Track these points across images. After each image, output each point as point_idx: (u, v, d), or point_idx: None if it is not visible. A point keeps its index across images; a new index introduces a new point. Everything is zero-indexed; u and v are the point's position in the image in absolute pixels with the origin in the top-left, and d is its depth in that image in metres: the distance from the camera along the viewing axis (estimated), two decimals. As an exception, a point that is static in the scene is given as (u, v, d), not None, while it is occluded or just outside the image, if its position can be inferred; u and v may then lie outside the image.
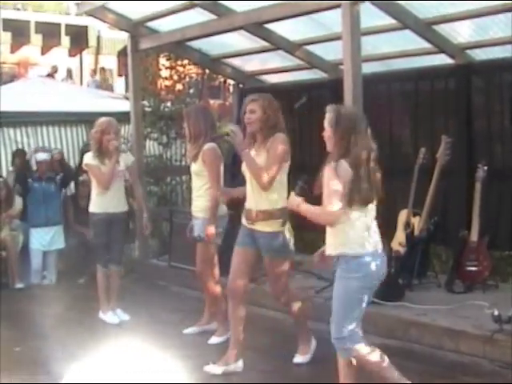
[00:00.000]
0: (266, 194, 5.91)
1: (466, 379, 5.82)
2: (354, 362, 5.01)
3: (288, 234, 6.01)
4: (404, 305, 7.43)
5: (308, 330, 6.58)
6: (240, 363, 6.23)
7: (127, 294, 8.84)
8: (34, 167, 10.60)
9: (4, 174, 11.37)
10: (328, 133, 5.04)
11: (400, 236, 8.33)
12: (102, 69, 29.22)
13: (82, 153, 11.35)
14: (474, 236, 7.93)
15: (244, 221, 6.20)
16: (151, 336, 7.01)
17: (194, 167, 7.10)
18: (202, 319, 7.66)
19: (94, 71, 27.05)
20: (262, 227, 5.99)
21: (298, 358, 6.49)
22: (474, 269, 7.92)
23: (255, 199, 6.00)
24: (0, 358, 6.56)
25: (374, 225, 4.94)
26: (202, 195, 7.10)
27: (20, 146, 11.80)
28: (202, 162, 6.94)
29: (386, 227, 7.94)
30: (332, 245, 5.02)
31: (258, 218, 5.99)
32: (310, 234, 11.26)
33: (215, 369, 6.14)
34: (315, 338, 6.88)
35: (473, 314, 6.82)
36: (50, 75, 22.53)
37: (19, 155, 11.30)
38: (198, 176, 7.07)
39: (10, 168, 11.41)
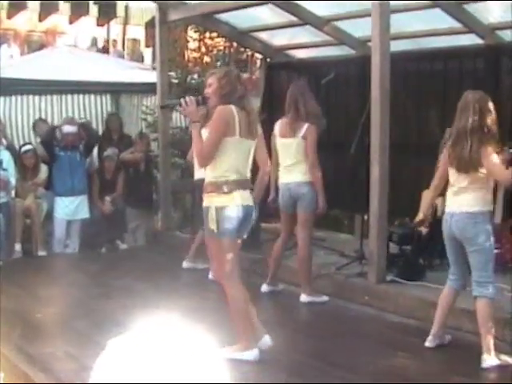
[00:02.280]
0: (207, 168, 5.73)
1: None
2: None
3: (213, 212, 5.63)
4: (425, 285, 7.42)
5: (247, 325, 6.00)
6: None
7: (153, 265, 8.89)
8: (60, 138, 10.60)
9: (30, 140, 11.39)
10: None
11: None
12: (134, 40, 29.18)
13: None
14: (498, 218, 7.88)
15: None
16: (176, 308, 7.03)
17: None
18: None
19: (115, 41, 26.96)
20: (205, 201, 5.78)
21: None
22: (495, 251, 7.87)
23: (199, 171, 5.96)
24: (21, 324, 6.64)
25: None
26: None
27: (44, 114, 11.84)
28: None
29: (410, 206, 7.96)
30: None
31: (205, 191, 5.79)
32: (333, 211, 11.32)
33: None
34: (332, 314, 6.91)
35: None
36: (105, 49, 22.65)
37: (40, 125, 11.32)
38: None
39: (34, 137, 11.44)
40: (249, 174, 5.84)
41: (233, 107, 5.68)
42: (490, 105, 5.79)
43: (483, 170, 5.65)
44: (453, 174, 5.84)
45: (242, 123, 5.68)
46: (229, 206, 5.61)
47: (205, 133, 5.85)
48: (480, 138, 5.64)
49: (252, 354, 5.73)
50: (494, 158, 5.63)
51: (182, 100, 5.77)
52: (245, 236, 5.95)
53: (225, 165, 5.66)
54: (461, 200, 5.77)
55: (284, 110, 7.71)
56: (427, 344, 5.99)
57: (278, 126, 7.71)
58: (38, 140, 11.22)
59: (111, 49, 24.39)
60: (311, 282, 7.69)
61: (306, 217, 7.57)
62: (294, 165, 7.58)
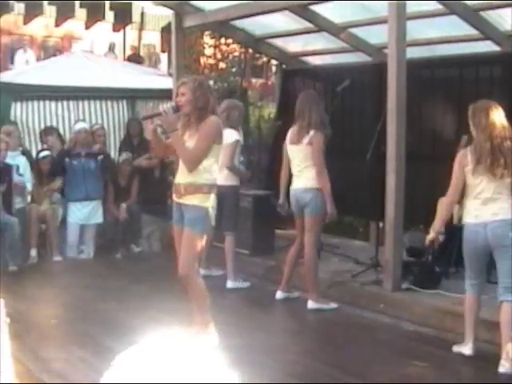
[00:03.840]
0: (195, 170, 6.09)
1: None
2: None
3: (211, 210, 6.14)
4: (440, 293, 7.40)
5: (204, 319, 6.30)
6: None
7: (168, 271, 8.87)
8: (73, 140, 10.61)
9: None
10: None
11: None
12: (153, 47, 29.26)
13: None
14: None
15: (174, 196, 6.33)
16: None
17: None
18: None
19: (136, 48, 27.02)
20: (189, 200, 6.12)
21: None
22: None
23: (184, 174, 6.16)
24: (36, 330, 6.65)
25: None
26: None
27: (60, 120, 11.87)
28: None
29: (427, 214, 7.93)
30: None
31: (186, 192, 6.13)
32: (347, 218, 11.31)
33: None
34: (347, 322, 6.89)
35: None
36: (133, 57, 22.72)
37: (49, 133, 11.34)
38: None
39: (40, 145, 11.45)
40: None
41: (218, 119, 6.26)
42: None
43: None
44: (478, 184, 5.84)
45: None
46: (213, 206, 6.17)
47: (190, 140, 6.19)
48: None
49: (215, 339, 6.14)
50: None
51: (161, 110, 6.17)
52: None
53: (214, 168, 6.18)
54: (494, 209, 5.78)
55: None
56: (468, 352, 5.99)
57: (289, 134, 7.82)
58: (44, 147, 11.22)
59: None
60: (318, 288, 7.69)
61: (312, 222, 7.62)
62: (300, 171, 7.71)
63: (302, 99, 7.78)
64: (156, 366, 1.46)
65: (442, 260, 7.98)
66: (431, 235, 6.28)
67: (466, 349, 6.00)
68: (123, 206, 10.50)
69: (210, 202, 6.09)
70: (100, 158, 10.62)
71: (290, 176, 7.90)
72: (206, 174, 6.08)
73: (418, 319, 7.02)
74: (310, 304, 7.62)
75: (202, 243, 6.21)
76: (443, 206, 7.39)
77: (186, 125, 6.23)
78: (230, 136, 8.21)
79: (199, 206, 6.08)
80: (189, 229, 6.16)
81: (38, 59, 22.68)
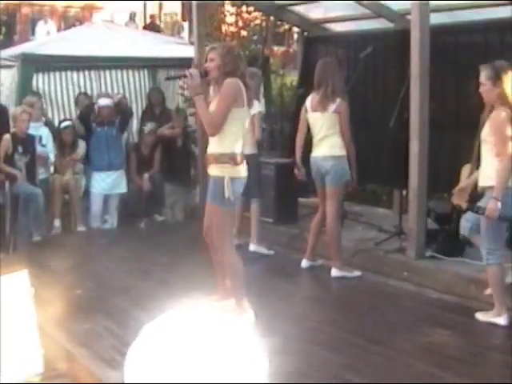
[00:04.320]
0: (217, 139, 6.00)
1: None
2: None
3: (228, 183, 5.94)
4: (464, 261, 7.37)
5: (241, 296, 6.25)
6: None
7: (192, 240, 8.90)
8: (96, 112, 10.63)
9: (68, 116, 11.45)
10: (487, 86, 5.95)
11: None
12: (175, 15, 29.12)
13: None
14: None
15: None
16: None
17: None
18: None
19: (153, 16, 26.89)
20: (211, 170, 6.09)
21: None
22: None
23: (210, 143, 6.13)
24: (62, 300, 6.70)
25: None
26: None
27: (83, 90, 11.88)
28: None
29: (450, 181, 7.88)
30: None
31: (209, 162, 6.11)
32: (371, 186, 11.27)
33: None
34: (371, 290, 6.89)
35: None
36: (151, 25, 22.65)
37: (82, 99, 11.37)
38: None
39: (75, 112, 11.51)
40: None
41: (239, 81, 6.00)
42: None
43: None
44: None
45: (245, 96, 6.06)
46: (239, 177, 6.05)
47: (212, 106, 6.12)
48: None
49: (251, 316, 6.05)
50: None
51: (186, 72, 6.06)
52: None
53: (234, 136, 6.00)
54: None
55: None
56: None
57: (310, 101, 7.78)
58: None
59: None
60: (341, 256, 7.70)
61: (333, 191, 7.63)
62: (322, 139, 7.69)
63: (322, 67, 7.74)
64: (182, 338, 1.46)
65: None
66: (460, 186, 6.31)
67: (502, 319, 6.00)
68: (146, 176, 10.52)
69: (230, 173, 5.95)
70: (117, 120, 10.64)
71: (306, 142, 7.91)
72: (227, 142, 5.96)
73: (442, 287, 7.01)
74: (334, 272, 7.63)
75: (226, 217, 6.12)
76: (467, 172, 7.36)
77: (216, 91, 6.19)
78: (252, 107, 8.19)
79: (216, 176, 6.02)
80: (209, 202, 6.21)
81: (59, 30, 22.69)
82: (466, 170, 8.29)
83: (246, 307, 6.10)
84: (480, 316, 6.07)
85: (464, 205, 8.08)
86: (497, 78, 5.89)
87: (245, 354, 1.48)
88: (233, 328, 1.52)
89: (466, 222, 6.64)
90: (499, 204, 5.77)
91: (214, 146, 6.04)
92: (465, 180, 7.22)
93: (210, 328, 1.50)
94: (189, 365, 1.43)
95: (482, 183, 6.10)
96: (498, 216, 5.82)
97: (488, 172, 5.95)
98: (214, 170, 6.05)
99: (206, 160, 6.23)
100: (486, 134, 5.96)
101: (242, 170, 6.06)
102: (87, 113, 10.68)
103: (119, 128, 10.64)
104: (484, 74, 6.00)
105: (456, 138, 8.62)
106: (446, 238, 7.74)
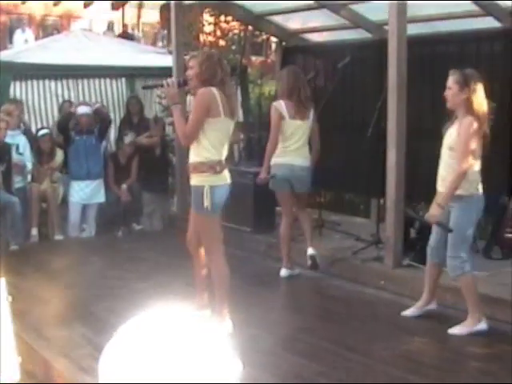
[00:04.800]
0: (194, 148, 5.96)
1: (501, 347, 5.80)
2: None
3: (208, 192, 5.90)
4: (441, 269, 7.39)
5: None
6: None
7: (169, 248, 8.90)
8: (75, 121, 10.59)
9: (46, 125, 11.41)
10: (454, 91, 5.96)
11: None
12: (150, 24, 29.10)
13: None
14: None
15: None
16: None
17: None
18: None
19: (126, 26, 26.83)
20: (192, 180, 6.07)
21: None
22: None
23: (190, 153, 6.09)
24: (39, 308, 6.67)
25: None
26: None
27: (60, 99, 11.84)
28: None
29: (429, 190, 7.93)
30: None
31: (189, 171, 6.07)
32: (348, 195, 11.32)
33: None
34: (349, 299, 6.91)
35: (510, 282, 6.76)
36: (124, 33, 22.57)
37: (67, 107, 11.31)
38: None
39: (52, 121, 11.48)
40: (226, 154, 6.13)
41: (214, 89, 5.89)
42: None
43: None
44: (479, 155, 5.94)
45: (225, 104, 5.92)
46: (220, 185, 5.96)
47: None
48: None
49: (229, 324, 5.98)
50: None
51: (164, 81, 6.05)
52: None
53: (211, 145, 5.91)
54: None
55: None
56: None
57: (284, 108, 7.72)
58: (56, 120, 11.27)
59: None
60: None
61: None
62: (300, 148, 7.77)
63: (292, 74, 7.81)
64: (155, 338, 1.47)
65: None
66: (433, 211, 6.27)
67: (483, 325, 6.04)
68: (124, 186, 10.50)
69: (210, 181, 5.88)
70: (97, 127, 10.57)
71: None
72: (204, 151, 5.89)
73: (419, 295, 7.02)
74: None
75: (211, 224, 6.06)
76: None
77: (193, 100, 6.23)
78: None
79: (196, 185, 5.99)
80: (193, 211, 6.19)
81: (37, 38, 22.57)
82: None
83: (226, 316, 6.07)
84: (456, 330, 6.05)
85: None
86: (465, 84, 5.91)
87: (217, 355, 1.49)
88: (206, 329, 1.53)
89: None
90: (440, 210, 5.92)
91: (193, 156, 6.01)
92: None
93: (183, 329, 1.51)
94: (161, 365, 1.44)
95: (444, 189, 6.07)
96: (437, 223, 5.95)
97: None
98: (193, 179, 6.02)
99: (187, 169, 6.20)
100: (454, 141, 5.98)
101: (224, 178, 6.00)
102: (65, 121, 10.64)
103: (98, 137, 10.60)
104: (452, 79, 6.04)
105: (433, 146, 8.67)
106: (424, 247, 7.78)
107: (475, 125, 5.84)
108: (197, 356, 1.46)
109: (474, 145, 5.89)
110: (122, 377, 1.45)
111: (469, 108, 5.88)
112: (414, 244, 7.87)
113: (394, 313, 6.79)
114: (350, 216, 10.49)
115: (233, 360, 1.53)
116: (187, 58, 6.43)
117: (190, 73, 6.09)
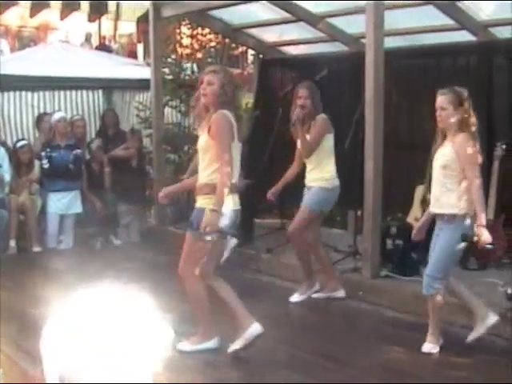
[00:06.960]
0: (202, 169, 5.82)
1: (479, 356, 5.87)
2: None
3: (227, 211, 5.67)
4: (418, 280, 7.45)
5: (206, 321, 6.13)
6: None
7: (145, 262, 8.91)
8: (52, 129, 10.56)
9: (22, 137, 11.36)
10: (448, 111, 5.88)
11: (416, 211, 8.35)
12: (127, 36, 29.10)
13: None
14: (490, 214, 7.92)
15: None
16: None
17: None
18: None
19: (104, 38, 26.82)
20: (196, 201, 5.88)
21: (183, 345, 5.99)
22: (490, 247, 7.91)
23: (198, 174, 5.92)
24: (19, 320, 6.66)
25: None
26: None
27: (36, 111, 11.81)
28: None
29: (403, 202, 8.01)
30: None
31: (195, 192, 5.90)
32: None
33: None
34: (327, 309, 6.94)
35: (486, 292, 6.84)
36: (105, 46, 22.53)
37: (42, 120, 11.29)
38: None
39: (37, 134, 11.43)
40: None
41: (228, 113, 5.70)
42: None
43: None
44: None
45: (235, 128, 5.77)
46: (225, 209, 5.62)
47: (201, 134, 5.86)
48: None
49: (214, 343, 5.98)
50: None
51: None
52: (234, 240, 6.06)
53: (216, 166, 5.68)
54: None
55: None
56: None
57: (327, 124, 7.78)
58: (37, 135, 11.23)
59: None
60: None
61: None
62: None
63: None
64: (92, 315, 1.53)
65: (419, 247, 8.04)
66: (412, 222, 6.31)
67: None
68: (98, 205, 10.53)
69: (210, 204, 5.59)
70: (75, 152, 10.54)
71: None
72: (210, 172, 5.72)
73: (397, 305, 7.10)
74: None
75: (203, 247, 5.79)
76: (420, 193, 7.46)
77: (202, 115, 5.89)
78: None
79: (198, 207, 5.79)
80: (188, 231, 6.02)
81: (13, 50, 22.50)
82: (419, 191, 8.44)
83: (209, 335, 6.03)
84: (425, 349, 6.05)
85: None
86: (459, 104, 5.87)
87: (151, 326, 1.56)
88: (139, 306, 1.60)
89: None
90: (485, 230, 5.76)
91: (200, 176, 5.84)
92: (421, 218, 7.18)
93: (117, 306, 1.58)
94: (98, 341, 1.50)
95: (441, 210, 5.99)
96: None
97: (452, 200, 5.87)
98: (198, 201, 5.82)
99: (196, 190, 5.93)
100: (450, 160, 5.88)
101: (229, 203, 5.68)
102: (49, 137, 10.58)
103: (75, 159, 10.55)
104: (445, 99, 5.94)
105: (410, 158, 8.76)
106: (401, 258, 7.86)
107: (471, 141, 5.85)
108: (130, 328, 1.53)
109: (480, 158, 5.91)
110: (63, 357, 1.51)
111: (461, 126, 5.87)
112: (391, 255, 7.94)
113: (373, 323, 6.86)
114: (326, 228, 10.53)
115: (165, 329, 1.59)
116: (205, 70, 6.04)
117: (207, 88, 5.74)
